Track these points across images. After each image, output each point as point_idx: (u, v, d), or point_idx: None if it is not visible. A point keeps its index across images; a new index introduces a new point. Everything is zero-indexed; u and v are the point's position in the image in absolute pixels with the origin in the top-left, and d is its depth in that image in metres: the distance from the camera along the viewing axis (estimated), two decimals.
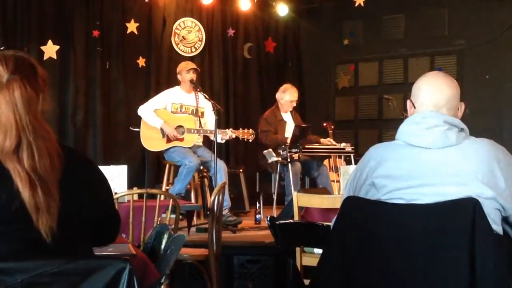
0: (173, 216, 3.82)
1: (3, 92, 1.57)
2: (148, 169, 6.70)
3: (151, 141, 5.56)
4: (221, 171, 5.28)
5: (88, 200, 1.69)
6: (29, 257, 1.51)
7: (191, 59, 6.87)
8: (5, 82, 1.58)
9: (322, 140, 6.12)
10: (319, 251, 3.02)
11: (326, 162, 6.30)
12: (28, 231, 1.53)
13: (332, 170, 6.37)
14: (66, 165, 1.61)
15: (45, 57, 6.08)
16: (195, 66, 5.73)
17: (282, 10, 7.82)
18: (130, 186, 4.21)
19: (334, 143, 6.14)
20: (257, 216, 5.64)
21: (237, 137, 5.61)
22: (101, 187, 1.78)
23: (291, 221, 3.46)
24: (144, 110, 5.54)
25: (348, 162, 5.96)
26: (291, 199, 3.97)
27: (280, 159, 5.70)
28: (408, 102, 2.13)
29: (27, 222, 1.52)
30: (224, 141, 5.62)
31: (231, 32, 7.78)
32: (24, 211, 1.52)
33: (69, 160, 1.63)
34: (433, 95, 2.05)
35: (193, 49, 7.41)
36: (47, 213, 1.52)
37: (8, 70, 1.59)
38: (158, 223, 3.47)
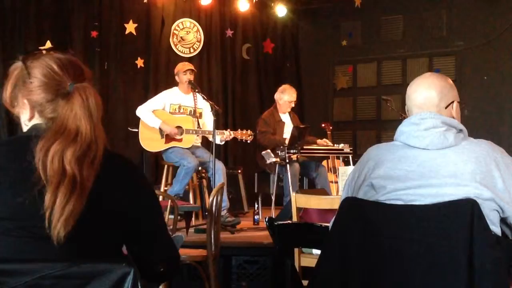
0: (172, 217, 3.82)
1: (76, 98, 1.51)
2: (147, 169, 6.69)
3: (149, 142, 5.55)
4: (219, 172, 5.28)
5: (117, 219, 1.58)
6: (32, 259, 1.49)
7: (189, 59, 6.86)
8: (74, 88, 1.52)
9: (318, 140, 6.13)
10: (318, 252, 3.02)
11: (324, 163, 6.31)
12: (41, 230, 1.50)
13: (331, 171, 6.37)
14: (102, 175, 1.53)
15: None
16: (191, 67, 5.71)
17: (281, 11, 7.83)
18: None
19: (330, 143, 6.15)
20: (256, 217, 5.63)
21: (235, 138, 5.60)
22: (140, 210, 1.62)
23: (290, 221, 3.46)
24: (143, 111, 5.54)
25: (347, 163, 5.96)
26: (290, 200, 3.97)
27: (278, 160, 5.70)
28: None
29: (42, 221, 1.47)
30: (223, 142, 5.62)
31: (229, 33, 7.78)
32: (42, 209, 1.46)
33: (108, 170, 1.55)
34: (416, 97, 2.08)
35: (192, 50, 7.41)
36: (64, 214, 1.45)
37: (70, 77, 1.55)
38: None
